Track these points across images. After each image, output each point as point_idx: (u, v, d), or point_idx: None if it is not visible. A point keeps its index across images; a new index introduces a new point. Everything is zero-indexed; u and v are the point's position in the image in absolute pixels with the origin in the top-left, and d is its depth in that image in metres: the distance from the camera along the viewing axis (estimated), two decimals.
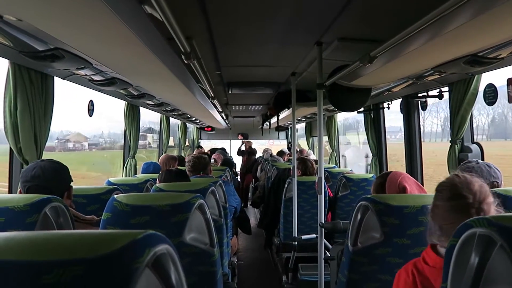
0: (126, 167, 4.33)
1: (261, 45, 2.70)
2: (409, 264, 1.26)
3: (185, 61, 2.11)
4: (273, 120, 6.77)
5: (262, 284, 4.24)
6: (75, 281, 0.51)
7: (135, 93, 3.40)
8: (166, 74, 2.32)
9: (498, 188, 1.74)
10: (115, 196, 1.57)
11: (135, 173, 4.31)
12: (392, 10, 1.86)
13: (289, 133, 10.18)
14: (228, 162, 6.45)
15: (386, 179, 1.88)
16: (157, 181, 2.57)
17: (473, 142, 2.76)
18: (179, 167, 3.55)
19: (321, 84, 2.61)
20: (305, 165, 3.90)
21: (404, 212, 1.60)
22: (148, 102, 4.04)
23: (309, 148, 8.07)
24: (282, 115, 5.84)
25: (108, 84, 2.69)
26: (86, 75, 2.44)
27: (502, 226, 0.74)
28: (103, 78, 2.59)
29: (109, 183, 2.92)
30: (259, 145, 10.91)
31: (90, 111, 3.31)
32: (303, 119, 7.25)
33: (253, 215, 7.56)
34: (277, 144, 10.70)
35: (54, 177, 1.66)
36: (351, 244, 1.67)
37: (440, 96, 2.95)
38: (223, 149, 8.30)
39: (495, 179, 1.86)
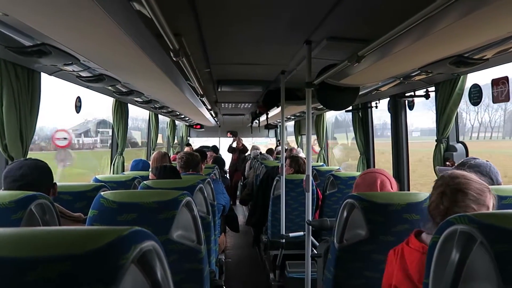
0: (113, 164, 4.30)
1: (251, 43, 2.70)
2: (399, 245, 1.35)
3: (174, 58, 2.11)
4: (263, 118, 6.78)
5: (249, 281, 4.25)
6: (61, 277, 0.51)
7: (124, 90, 3.38)
8: (154, 71, 2.31)
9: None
10: (102, 193, 1.56)
11: (123, 170, 4.28)
12: (381, 11, 1.88)
13: (278, 131, 10.20)
14: (218, 161, 6.43)
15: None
16: (150, 175, 2.58)
17: (458, 141, 2.81)
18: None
19: (310, 82, 2.62)
20: (297, 164, 3.92)
21: (389, 209, 1.62)
22: (136, 99, 4.02)
23: (298, 146, 8.10)
24: (272, 113, 5.86)
25: (96, 81, 2.66)
26: (73, 71, 2.42)
27: (482, 223, 0.76)
28: (91, 75, 2.56)
29: (96, 180, 2.90)
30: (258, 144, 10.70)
31: (78, 107, 3.28)
32: (292, 117, 7.27)
33: (241, 213, 7.57)
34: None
35: (41, 175, 1.68)
36: (337, 241, 1.69)
37: (426, 96, 2.99)
38: (214, 147, 8.28)
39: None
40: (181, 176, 2.67)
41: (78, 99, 3.25)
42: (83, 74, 2.52)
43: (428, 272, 0.83)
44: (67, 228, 0.61)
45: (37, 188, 1.56)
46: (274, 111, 5.59)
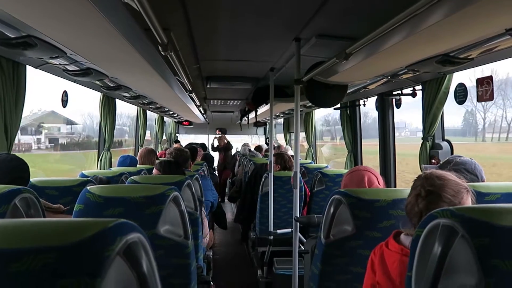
0: (101, 160, 4.26)
1: (240, 40, 2.70)
2: (377, 246, 1.36)
3: (162, 53, 2.09)
4: (252, 115, 6.78)
5: (237, 278, 4.26)
6: (45, 269, 0.51)
7: (111, 85, 3.34)
8: (142, 65, 2.29)
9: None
10: (88, 187, 1.54)
11: (111, 166, 4.24)
12: (369, 9, 1.90)
13: (267, 129, 10.22)
14: (207, 158, 6.42)
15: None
16: (154, 170, 2.59)
17: (443, 140, 2.85)
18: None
19: (298, 80, 2.64)
20: (283, 160, 3.94)
21: (375, 205, 1.64)
22: (124, 94, 3.98)
23: (286, 144, 8.13)
24: (261, 110, 5.86)
25: (83, 75, 2.63)
26: (60, 64, 2.38)
27: (464, 217, 0.78)
28: (77, 68, 2.53)
29: (83, 175, 2.87)
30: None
31: (64, 102, 3.23)
32: (281, 114, 7.29)
33: (229, 210, 7.57)
34: None
35: (27, 168, 1.69)
36: (324, 236, 1.71)
37: (413, 94, 3.03)
38: (203, 144, 8.26)
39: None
40: (184, 172, 2.69)
41: (65, 93, 3.21)
42: (70, 67, 2.48)
43: (411, 265, 0.85)
44: (52, 219, 0.61)
45: (25, 180, 1.62)
46: (263, 108, 5.60)
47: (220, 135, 9.42)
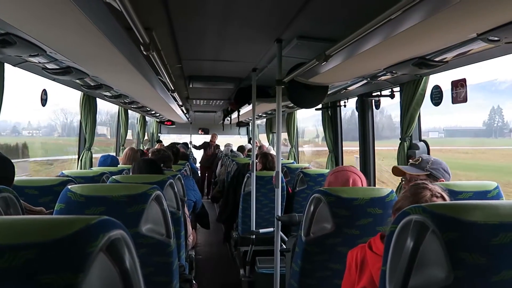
0: (81, 160, 4.20)
1: (223, 40, 2.71)
2: (356, 247, 1.38)
3: (144, 53, 2.09)
4: (234, 115, 6.79)
5: (219, 277, 4.27)
6: (28, 265, 0.51)
7: (92, 84, 3.30)
8: (124, 64, 2.28)
9: (440, 182, 1.87)
10: (69, 186, 1.53)
11: (91, 166, 4.19)
12: (348, 12, 1.94)
13: (250, 129, 10.24)
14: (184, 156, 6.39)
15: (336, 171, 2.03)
16: (131, 173, 2.56)
17: (420, 140, 2.93)
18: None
19: (280, 80, 2.67)
20: (266, 159, 3.98)
21: (354, 204, 1.69)
22: (105, 93, 3.93)
23: (269, 144, 8.16)
24: (243, 110, 5.87)
25: (63, 73, 2.59)
26: (39, 62, 2.35)
27: (434, 213, 0.82)
28: (57, 67, 2.49)
29: (63, 175, 2.83)
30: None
31: (44, 100, 3.18)
32: (264, 115, 7.32)
33: (212, 210, 7.56)
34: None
35: (11, 168, 1.69)
36: (304, 234, 1.74)
37: (391, 96, 3.10)
38: (185, 144, 8.23)
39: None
40: (163, 172, 2.59)
41: (44, 92, 3.16)
42: (50, 66, 2.45)
43: (385, 260, 0.88)
44: (35, 216, 0.62)
45: (10, 180, 1.62)
46: (246, 109, 5.61)
47: (212, 134, 9.54)
